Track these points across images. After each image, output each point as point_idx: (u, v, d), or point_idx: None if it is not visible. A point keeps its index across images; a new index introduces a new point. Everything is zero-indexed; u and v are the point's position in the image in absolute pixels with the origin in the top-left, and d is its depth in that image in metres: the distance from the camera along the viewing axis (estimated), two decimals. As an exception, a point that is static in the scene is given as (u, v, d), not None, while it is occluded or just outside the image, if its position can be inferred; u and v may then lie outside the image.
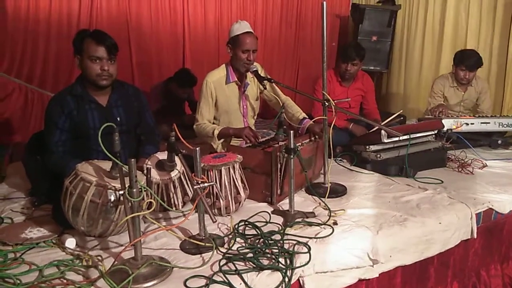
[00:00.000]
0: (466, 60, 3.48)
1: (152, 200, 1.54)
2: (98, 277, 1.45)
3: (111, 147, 1.53)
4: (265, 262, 1.56)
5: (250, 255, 1.60)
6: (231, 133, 2.56)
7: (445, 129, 3.12)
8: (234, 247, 1.67)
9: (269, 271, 1.51)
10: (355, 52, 3.30)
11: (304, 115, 2.80)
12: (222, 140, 2.63)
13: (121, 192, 1.46)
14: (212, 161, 1.99)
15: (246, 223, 1.89)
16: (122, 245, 1.70)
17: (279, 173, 2.11)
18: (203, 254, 1.62)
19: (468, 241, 2.14)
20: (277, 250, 1.63)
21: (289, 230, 1.82)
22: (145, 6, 4.32)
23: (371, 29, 4.85)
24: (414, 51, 4.96)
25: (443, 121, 3.16)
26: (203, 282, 1.44)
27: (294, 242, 1.71)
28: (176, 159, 1.91)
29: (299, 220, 1.92)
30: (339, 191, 2.33)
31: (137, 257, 1.50)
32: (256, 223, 1.88)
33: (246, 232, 1.82)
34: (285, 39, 5.29)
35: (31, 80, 3.80)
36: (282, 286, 1.48)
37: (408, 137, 2.77)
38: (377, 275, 1.78)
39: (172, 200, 1.98)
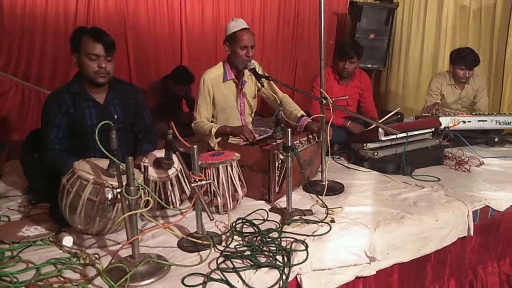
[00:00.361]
0: (465, 59, 3.48)
1: (149, 198, 1.53)
2: (95, 275, 1.44)
3: (108, 145, 1.53)
4: (263, 259, 1.56)
5: (248, 252, 1.60)
6: (228, 131, 2.56)
7: (442, 127, 3.14)
8: (232, 245, 1.67)
9: (267, 268, 1.52)
10: (353, 50, 3.31)
11: (302, 112, 2.79)
12: (219, 138, 2.62)
13: (119, 190, 1.45)
14: (210, 159, 1.99)
15: (244, 221, 1.89)
16: (119, 243, 1.70)
17: (277, 171, 2.11)
18: (200, 252, 1.62)
19: (465, 239, 2.14)
20: (274, 248, 1.63)
21: (286, 228, 1.82)
22: (142, 3, 4.31)
23: (368, 27, 4.85)
24: (412, 49, 4.97)
25: (440, 119, 3.17)
26: (200, 280, 1.44)
27: (292, 239, 1.71)
28: (174, 157, 1.91)
29: (297, 218, 1.92)
30: (336, 189, 2.34)
31: (135, 255, 1.49)
32: (254, 221, 1.88)
33: (244, 230, 1.82)
34: (283, 37, 5.28)
35: (28, 78, 3.78)
36: (279, 284, 1.49)
37: (406, 135, 2.78)
38: (374, 273, 1.78)
39: (169, 198, 1.98)
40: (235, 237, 1.75)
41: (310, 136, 2.55)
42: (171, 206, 1.99)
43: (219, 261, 1.54)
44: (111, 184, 1.62)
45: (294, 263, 1.58)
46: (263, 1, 5.05)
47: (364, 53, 3.49)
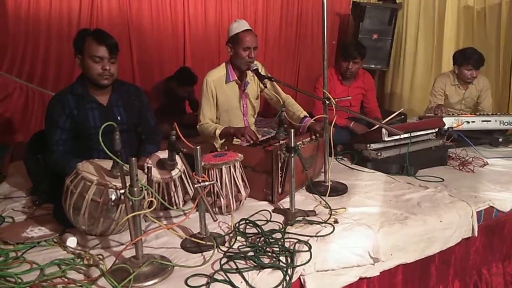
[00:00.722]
0: (471, 59, 3.47)
1: (153, 199, 1.54)
2: (99, 276, 1.45)
3: (111, 146, 1.54)
4: (266, 260, 1.56)
5: (251, 253, 1.60)
6: (232, 132, 2.56)
7: (446, 127, 3.12)
8: (235, 246, 1.67)
9: (270, 269, 1.51)
10: (356, 50, 3.30)
11: (305, 113, 2.79)
12: (224, 139, 2.63)
13: (122, 191, 1.46)
14: (213, 160, 1.99)
15: (247, 221, 1.89)
16: (123, 244, 1.71)
17: (280, 172, 2.11)
18: (204, 253, 1.63)
19: (469, 239, 2.13)
20: (278, 249, 1.63)
21: (289, 229, 1.82)
22: (145, 5, 4.32)
23: (371, 27, 4.84)
24: (415, 49, 4.94)
25: (444, 119, 3.16)
26: (204, 280, 1.44)
27: (295, 240, 1.71)
28: (177, 158, 1.91)
29: (300, 218, 1.92)
30: (340, 189, 2.33)
31: (138, 256, 1.50)
32: (257, 222, 1.88)
33: (247, 231, 1.82)
34: (286, 37, 5.28)
35: (32, 80, 3.80)
36: (283, 285, 1.48)
37: (409, 136, 2.77)
38: (378, 274, 1.78)
39: (173, 199, 1.98)
40: (238, 238, 1.75)
41: (313, 137, 2.55)
42: (175, 207, 1.99)
43: (222, 262, 1.54)
44: (115, 185, 1.63)
45: (298, 264, 1.57)
46: (266, 2, 5.06)
47: (367, 54, 3.49)
